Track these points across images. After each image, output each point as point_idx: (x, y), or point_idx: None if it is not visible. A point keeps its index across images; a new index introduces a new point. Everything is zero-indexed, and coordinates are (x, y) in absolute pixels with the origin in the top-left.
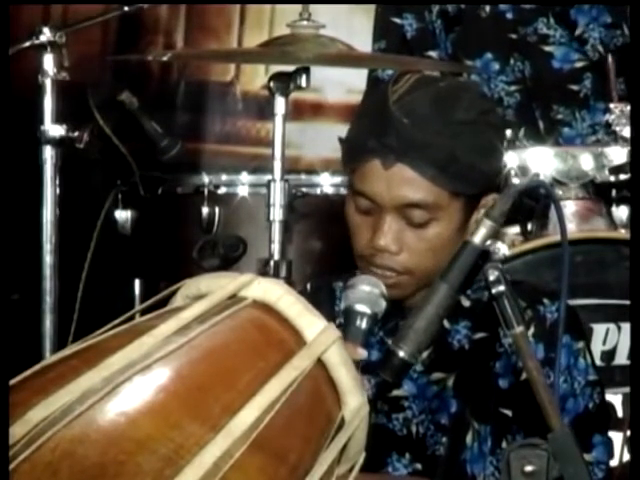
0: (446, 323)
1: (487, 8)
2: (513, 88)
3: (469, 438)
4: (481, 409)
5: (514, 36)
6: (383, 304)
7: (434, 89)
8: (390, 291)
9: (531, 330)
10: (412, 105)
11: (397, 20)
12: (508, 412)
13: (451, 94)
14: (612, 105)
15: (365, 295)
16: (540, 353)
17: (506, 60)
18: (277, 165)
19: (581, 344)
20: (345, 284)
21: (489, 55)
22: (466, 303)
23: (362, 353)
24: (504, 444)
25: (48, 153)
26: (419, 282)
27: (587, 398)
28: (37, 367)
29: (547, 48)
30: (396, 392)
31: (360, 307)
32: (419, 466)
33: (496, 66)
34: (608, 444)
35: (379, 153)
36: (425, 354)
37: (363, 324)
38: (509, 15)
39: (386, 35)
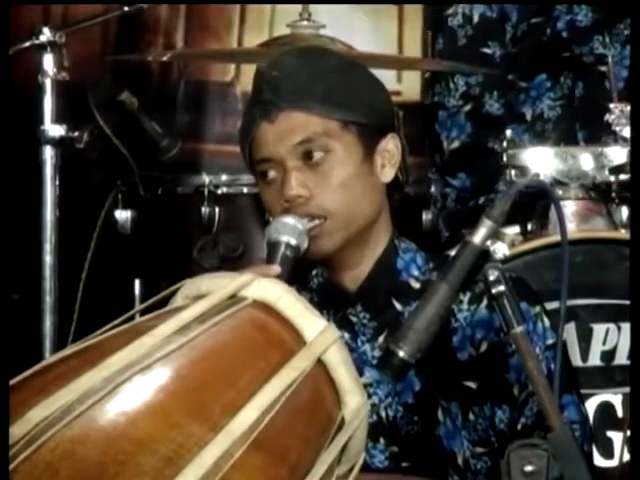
0: (398, 306)
1: (547, 31)
2: (557, 103)
3: (440, 414)
4: (445, 386)
5: (567, 54)
6: (305, 242)
7: (301, 48)
8: (319, 243)
9: (484, 302)
10: (280, 61)
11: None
12: (472, 384)
13: (319, 50)
14: (612, 105)
15: (289, 228)
16: (496, 322)
17: (557, 78)
18: None
19: (538, 308)
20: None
21: (543, 76)
22: (416, 285)
23: (275, 269)
24: (471, 416)
25: (48, 153)
26: (344, 229)
27: (549, 361)
28: (37, 367)
29: (603, 68)
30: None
31: (284, 237)
32: (395, 449)
33: (548, 84)
34: (579, 403)
35: (262, 115)
36: (381, 338)
37: (288, 252)
38: (564, 34)
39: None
